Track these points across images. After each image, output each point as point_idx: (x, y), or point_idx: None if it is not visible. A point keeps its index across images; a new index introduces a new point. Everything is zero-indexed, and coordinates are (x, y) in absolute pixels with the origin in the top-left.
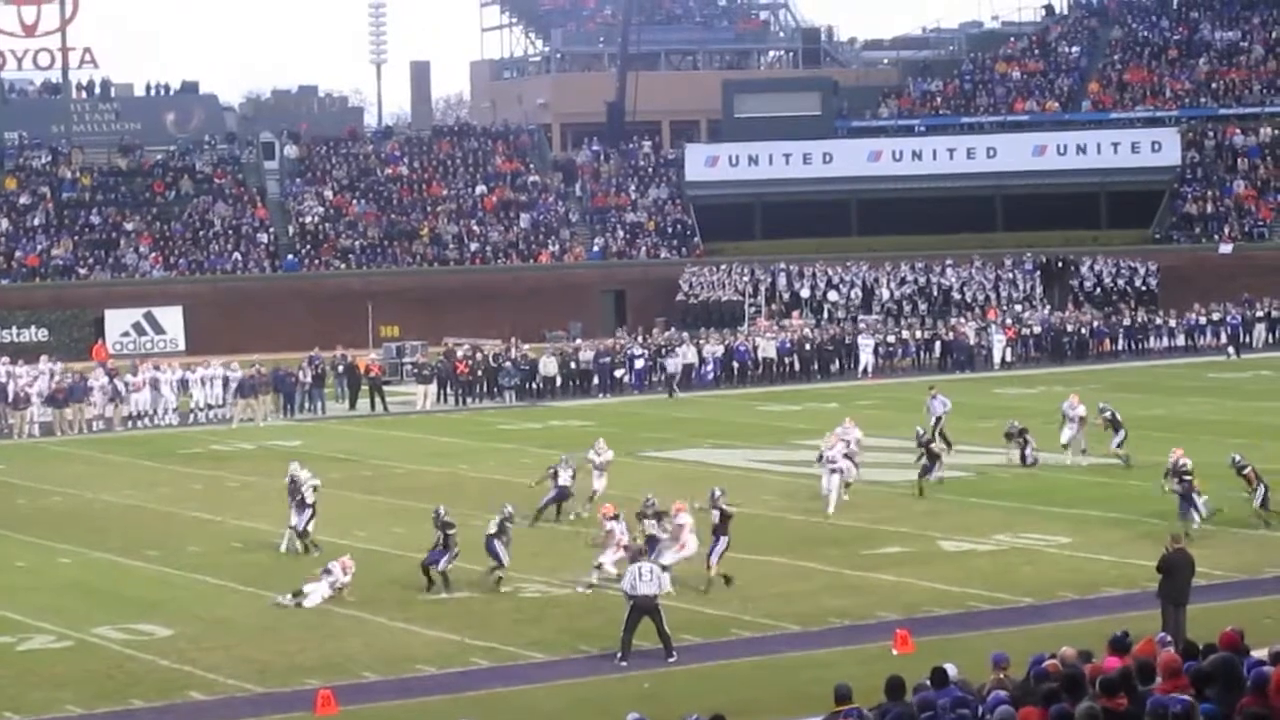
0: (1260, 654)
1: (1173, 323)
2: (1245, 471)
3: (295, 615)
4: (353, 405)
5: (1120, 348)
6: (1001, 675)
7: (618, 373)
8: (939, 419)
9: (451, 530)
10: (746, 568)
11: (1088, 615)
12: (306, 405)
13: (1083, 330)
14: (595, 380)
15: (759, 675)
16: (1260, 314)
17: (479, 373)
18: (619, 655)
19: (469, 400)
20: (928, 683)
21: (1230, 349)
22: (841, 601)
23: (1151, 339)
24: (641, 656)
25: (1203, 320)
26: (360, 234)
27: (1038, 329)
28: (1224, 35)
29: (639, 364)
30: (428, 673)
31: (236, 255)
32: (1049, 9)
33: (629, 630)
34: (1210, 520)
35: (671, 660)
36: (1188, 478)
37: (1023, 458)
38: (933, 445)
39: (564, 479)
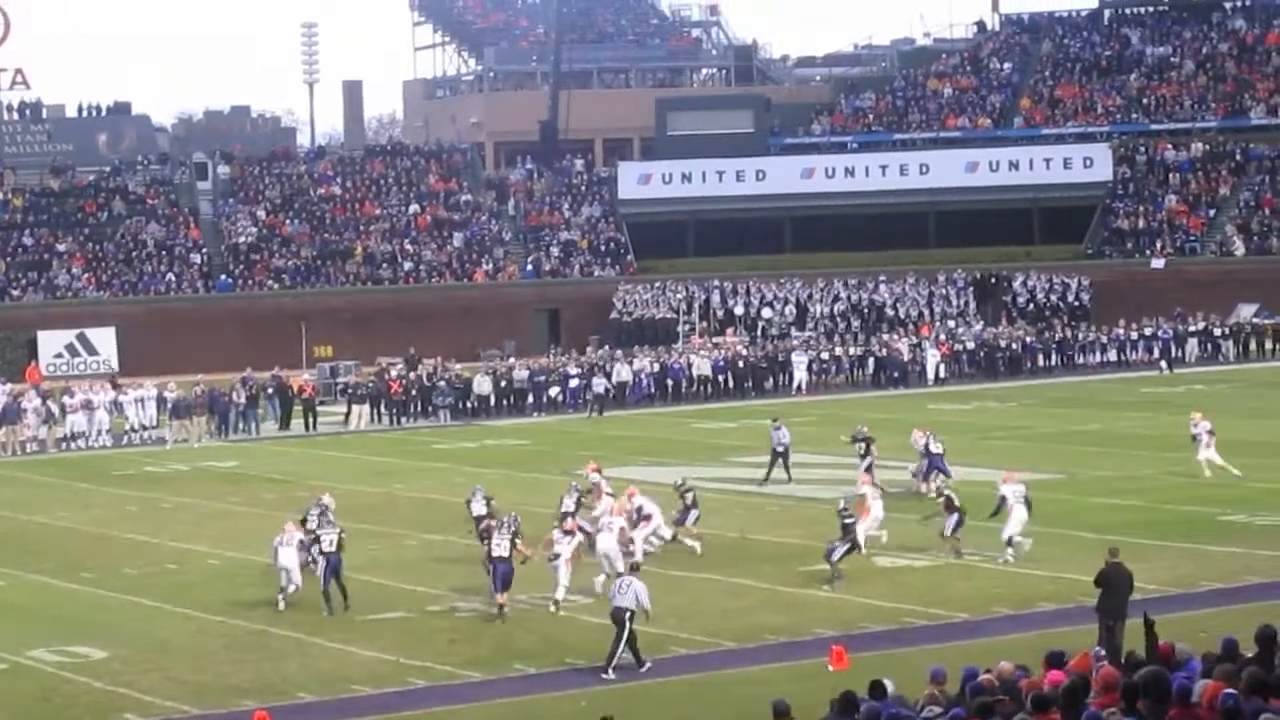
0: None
1: (1105, 338)
2: (942, 498)
3: (231, 636)
4: (285, 425)
5: (1053, 363)
6: (937, 690)
7: (552, 391)
8: (780, 452)
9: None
10: (683, 585)
11: (1023, 630)
12: (241, 426)
13: (1016, 346)
14: (530, 399)
15: (697, 693)
16: (1193, 329)
17: (413, 392)
18: (605, 668)
19: (403, 420)
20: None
21: (1162, 364)
22: (778, 618)
23: (1083, 354)
24: (579, 674)
25: (1134, 335)
26: (294, 254)
27: (971, 345)
28: (1155, 50)
29: (574, 382)
30: (364, 693)
31: (170, 276)
32: (980, 25)
33: (614, 642)
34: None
35: (643, 669)
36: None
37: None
38: (950, 495)
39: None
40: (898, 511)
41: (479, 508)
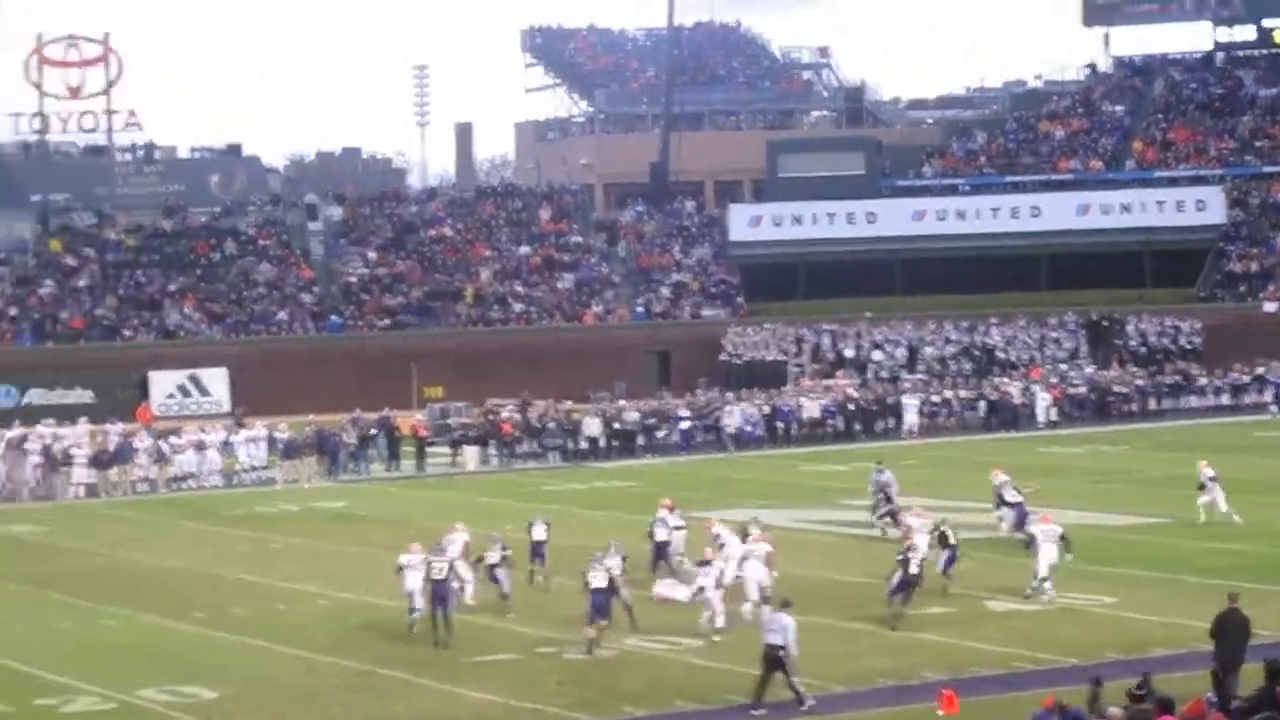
0: None
1: (1217, 381)
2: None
3: (340, 676)
4: (393, 466)
5: (1164, 407)
6: None
7: (659, 433)
8: (887, 495)
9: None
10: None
11: (1134, 675)
12: (350, 466)
13: (1127, 389)
14: (639, 440)
15: None
16: None
17: (523, 433)
18: (753, 705)
19: (513, 461)
20: None
21: (1273, 407)
22: (886, 661)
23: (1194, 398)
24: (687, 716)
25: (1247, 379)
26: (404, 293)
27: (1084, 388)
28: (1268, 92)
29: (684, 424)
30: None
31: (281, 315)
32: (1092, 68)
33: (761, 680)
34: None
35: (805, 708)
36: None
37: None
38: (945, 532)
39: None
40: (994, 552)
41: (540, 533)
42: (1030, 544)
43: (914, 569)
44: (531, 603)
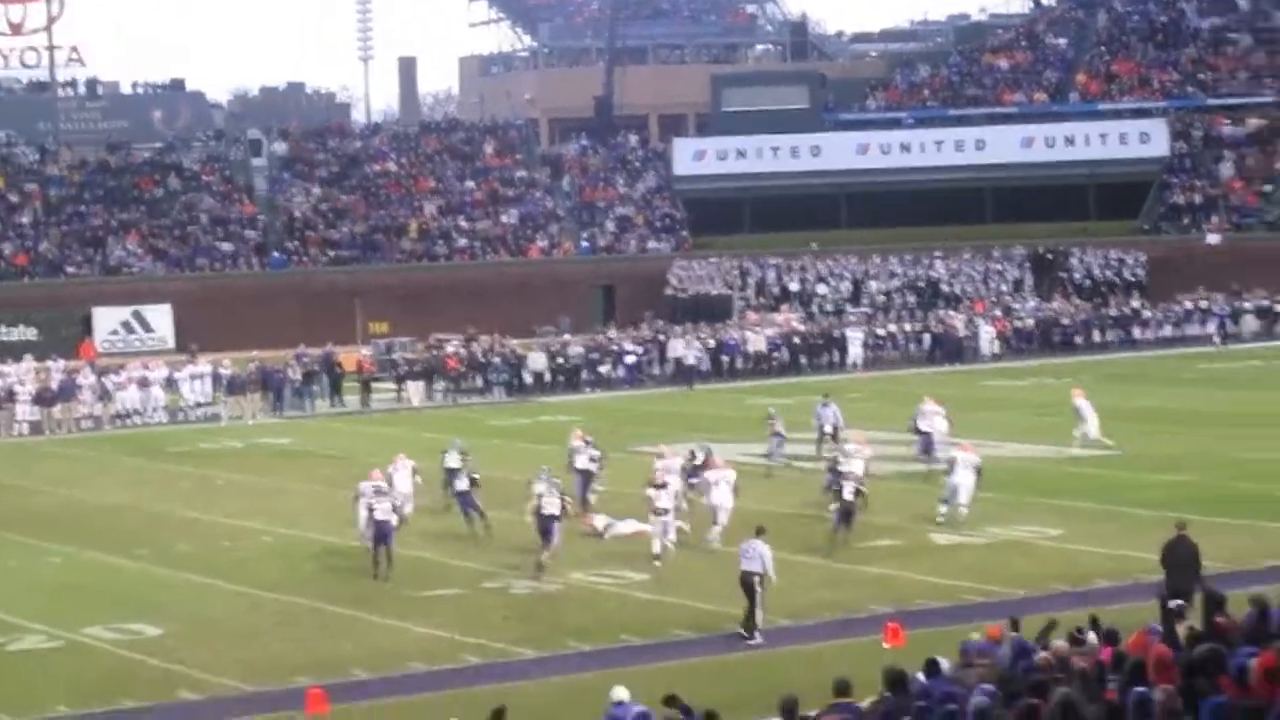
0: None
1: (1161, 314)
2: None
3: (285, 613)
4: (335, 402)
5: (1109, 339)
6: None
7: (601, 368)
8: (829, 432)
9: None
10: (736, 561)
11: (1081, 607)
12: (295, 402)
13: (1072, 322)
14: (585, 375)
15: (750, 670)
16: (1249, 304)
17: (468, 368)
18: (745, 636)
19: (458, 397)
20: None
21: (1215, 339)
22: (831, 595)
23: (1139, 330)
24: (633, 651)
25: (1190, 311)
26: (349, 228)
27: (1030, 321)
28: (1211, 23)
29: (630, 359)
30: (419, 670)
31: (225, 247)
32: (1036, 0)
33: (748, 608)
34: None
35: (752, 642)
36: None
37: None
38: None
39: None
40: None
41: (453, 460)
42: (950, 469)
43: (847, 495)
44: (483, 542)
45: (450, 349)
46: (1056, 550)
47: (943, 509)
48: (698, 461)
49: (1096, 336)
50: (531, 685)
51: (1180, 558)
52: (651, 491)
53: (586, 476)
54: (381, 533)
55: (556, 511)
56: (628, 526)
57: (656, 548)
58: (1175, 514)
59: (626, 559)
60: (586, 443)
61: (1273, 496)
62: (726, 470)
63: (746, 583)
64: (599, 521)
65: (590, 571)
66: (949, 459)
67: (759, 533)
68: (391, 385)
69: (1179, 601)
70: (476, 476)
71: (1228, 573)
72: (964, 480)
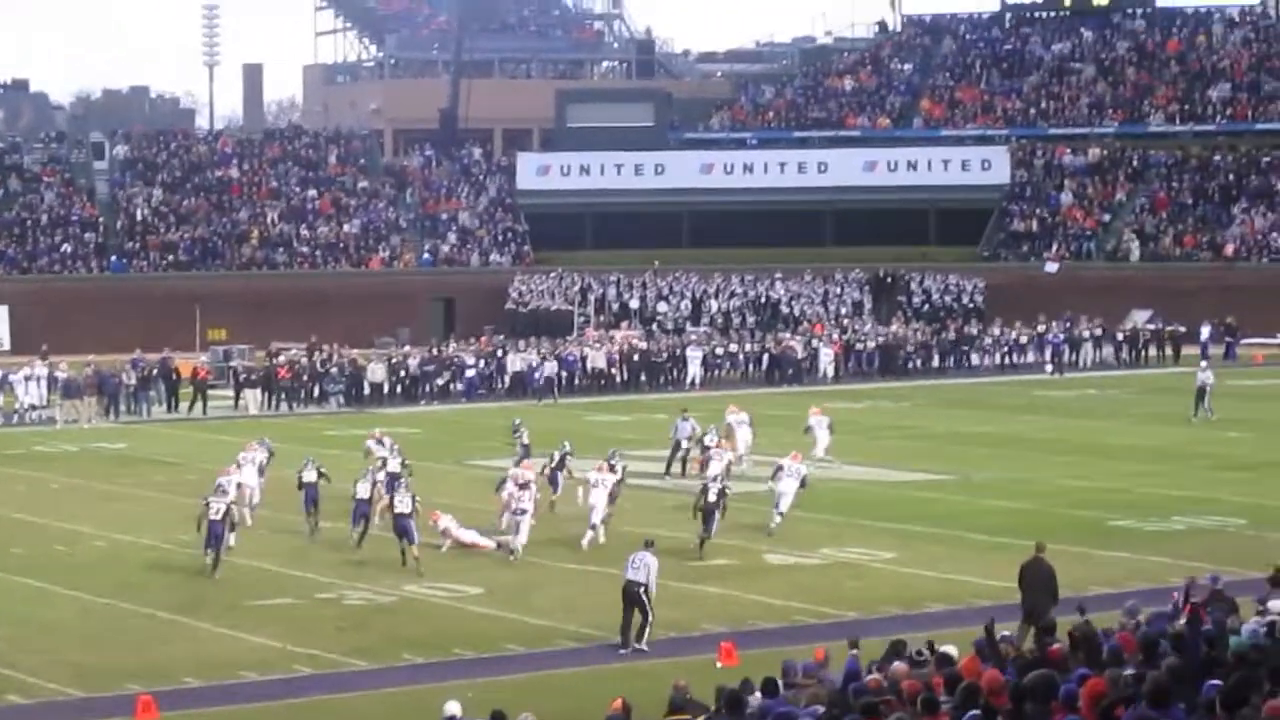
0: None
1: (999, 340)
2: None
3: (118, 618)
4: (172, 408)
5: (947, 364)
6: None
7: (439, 380)
8: (682, 445)
9: None
10: (573, 578)
11: (912, 630)
12: (131, 408)
13: (911, 346)
14: (423, 387)
15: (584, 685)
16: (1085, 333)
17: (303, 378)
18: (620, 645)
19: (294, 405)
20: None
21: (1049, 366)
22: (668, 613)
23: (976, 356)
24: (467, 664)
25: (1027, 338)
26: (190, 230)
27: (872, 344)
28: (1055, 50)
29: (470, 372)
30: (251, 679)
31: (65, 249)
32: (882, 25)
33: (624, 619)
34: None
35: (626, 651)
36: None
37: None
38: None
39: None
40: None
41: (310, 475)
42: (775, 476)
43: (711, 496)
44: (312, 548)
45: (282, 359)
46: (889, 573)
47: (776, 518)
48: (554, 463)
49: (934, 361)
50: (363, 697)
51: (1037, 579)
52: (514, 490)
53: (393, 478)
54: (213, 533)
55: (408, 510)
56: (469, 536)
57: (516, 544)
58: (1009, 539)
59: (460, 573)
60: (381, 443)
61: (1103, 525)
62: (608, 474)
63: (630, 593)
64: (445, 521)
65: (424, 584)
66: (775, 466)
67: (647, 545)
68: (229, 393)
69: (1006, 634)
70: (325, 471)
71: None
72: (787, 488)
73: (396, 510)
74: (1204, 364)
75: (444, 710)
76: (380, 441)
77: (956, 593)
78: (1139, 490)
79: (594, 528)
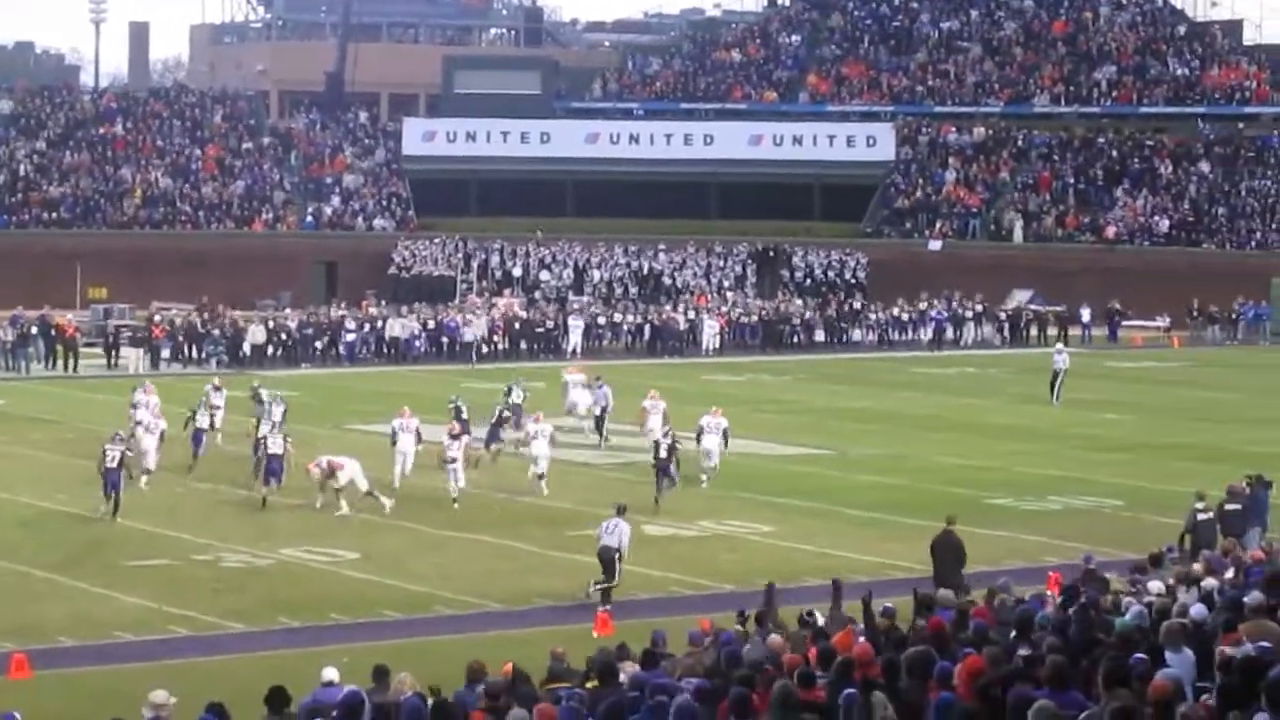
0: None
1: (880, 316)
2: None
3: None
4: (50, 365)
5: (828, 339)
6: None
7: (319, 344)
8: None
9: None
10: (450, 545)
11: (789, 604)
12: (10, 365)
13: (795, 320)
14: (302, 350)
15: (461, 652)
16: (966, 312)
17: (179, 338)
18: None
19: (173, 365)
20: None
21: (932, 344)
22: (545, 582)
23: (859, 332)
24: (344, 629)
25: (908, 315)
26: (72, 187)
27: (755, 317)
28: (943, 28)
29: (350, 336)
30: (126, 639)
31: None
32: None
33: (604, 579)
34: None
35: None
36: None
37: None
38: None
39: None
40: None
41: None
42: (699, 436)
43: (663, 453)
44: (190, 509)
45: (159, 318)
46: (766, 546)
47: (704, 474)
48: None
49: (817, 336)
50: (239, 660)
51: (948, 552)
52: (446, 440)
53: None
54: (110, 481)
55: (280, 450)
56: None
57: (453, 491)
58: (885, 515)
59: (338, 536)
60: (219, 390)
61: (979, 503)
62: (545, 424)
63: (605, 558)
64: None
65: (302, 548)
66: (697, 426)
67: (620, 511)
68: (98, 351)
69: (889, 606)
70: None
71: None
72: (712, 444)
73: (271, 450)
74: (1059, 347)
75: (322, 675)
76: (219, 389)
77: (833, 566)
78: (1016, 469)
79: (541, 476)
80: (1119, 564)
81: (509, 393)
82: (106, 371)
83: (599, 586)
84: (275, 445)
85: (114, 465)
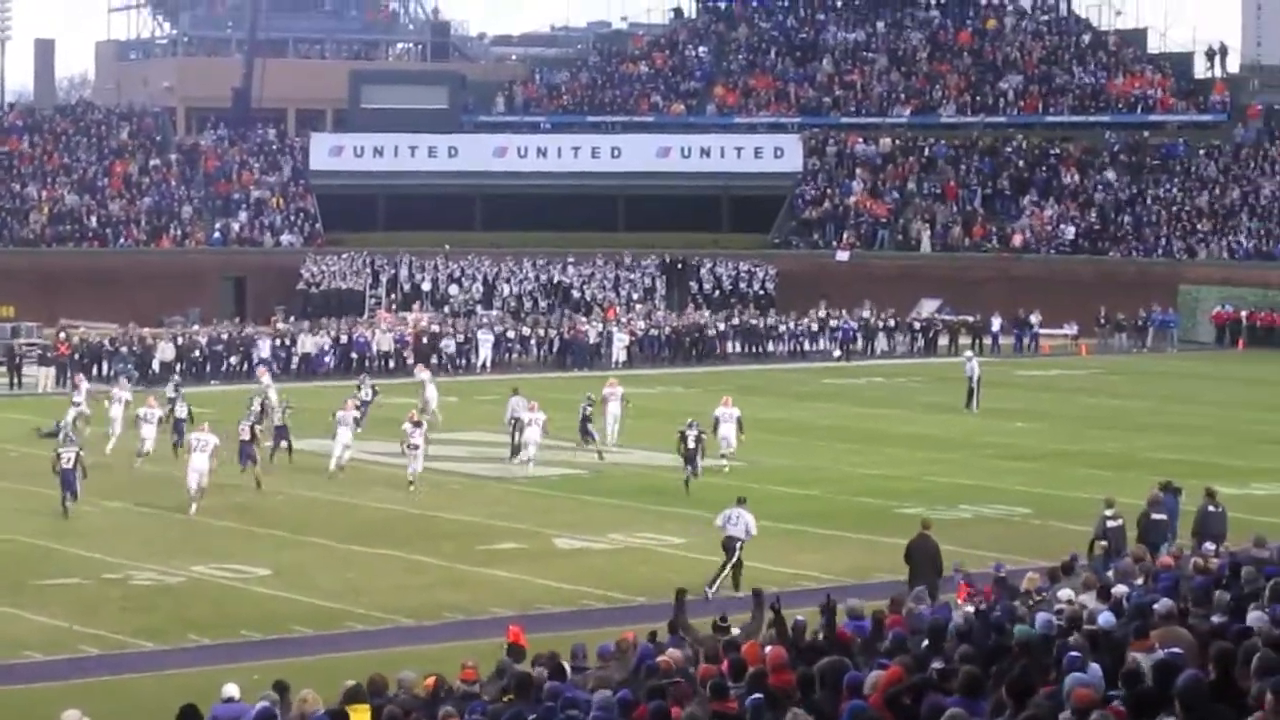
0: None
1: (789, 327)
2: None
3: None
4: None
5: (739, 350)
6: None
7: (232, 359)
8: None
9: None
10: (359, 560)
11: (702, 615)
12: None
13: (707, 332)
14: (210, 367)
15: (372, 668)
16: (875, 322)
17: (81, 356)
18: (709, 585)
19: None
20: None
21: (836, 353)
22: (455, 596)
23: (769, 342)
24: (253, 646)
25: (817, 326)
26: None
27: (668, 330)
28: (849, 38)
29: (264, 352)
30: (35, 659)
31: None
32: (677, 11)
33: (721, 565)
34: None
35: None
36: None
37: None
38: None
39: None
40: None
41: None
42: (716, 425)
43: (691, 443)
44: (98, 528)
45: (63, 336)
46: (679, 558)
47: (724, 458)
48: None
49: (728, 348)
50: (149, 678)
51: (924, 556)
52: (408, 427)
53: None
54: (65, 481)
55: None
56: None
57: (410, 474)
58: (797, 526)
59: (248, 553)
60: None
61: (890, 513)
62: (538, 412)
63: (729, 548)
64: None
65: (212, 564)
66: (713, 418)
67: (740, 501)
68: (25, 369)
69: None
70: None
71: (845, 585)
72: (729, 432)
73: (65, 466)
74: (969, 354)
75: (222, 692)
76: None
77: (745, 577)
78: (926, 478)
79: (530, 461)
80: (1029, 572)
81: (359, 388)
82: (9, 391)
83: (724, 572)
84: (68, 460)
85: (70, 466)
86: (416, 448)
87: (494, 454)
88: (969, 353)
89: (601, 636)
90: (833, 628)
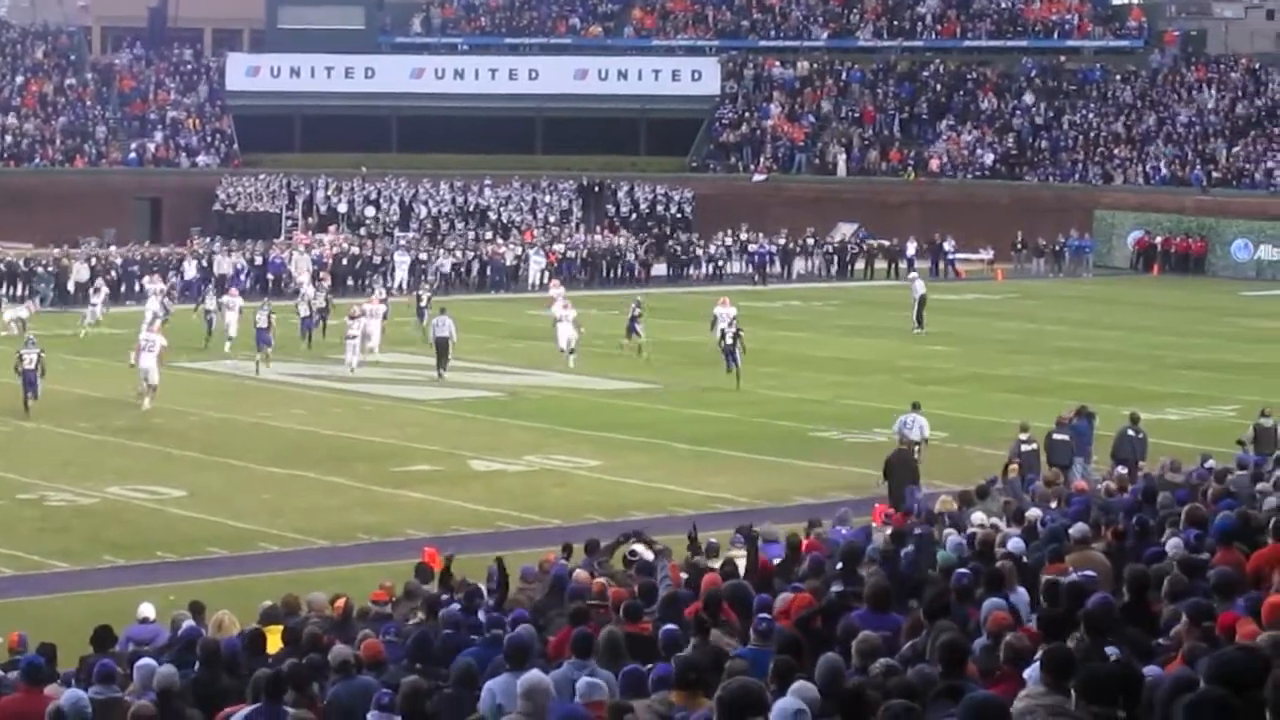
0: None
1: (707, 250)
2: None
3: None
4: None
5: (655, 274)
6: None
7: (147, 280)
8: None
9: None
10: (275, 481)
11: (611, 533)
12: None
13: (626, 255)
14: (126, 288)
15: (286, 589)
16: (791, 245)
17: (10, 276)
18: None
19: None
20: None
21: (756, 277)
22: (371, 518)
23: (687, 266)
24: (170, 567)
25: (734, 248)
26: None
27: (580, 252)
28: None
29: (191, 272)
30: None
31: None
32: None
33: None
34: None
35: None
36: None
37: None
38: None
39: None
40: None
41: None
42: (713, 323)
43: (728, 341)
44: (14, 448)
45: None
46: (593, 480)
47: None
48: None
49: (645, 270)
50: (64, 599)
51: (904, 469)
52: (348, 320)
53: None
54: (27, 381)
55: (33, 366)
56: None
57: (352, 361)
58: (711, 449)
59: (164, 475)
60: None
61: (804, 435)
62: (571, 310)
63: (905, 453)
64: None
65: (127, 485)
66: (711, 315)
67: (915, 407)
68: None
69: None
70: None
71: (760, 508)
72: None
73: (26, 368)
74: (914, 275)
75: (137, 612)
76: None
77: (659, 500)
78: (841, 402)
79: (571, 351)
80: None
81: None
82: None
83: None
84: (29, 362)
85: (31, 368)
86: (354, 338)
87: (412, 376)
88: (914, 274)
89: (520, 559)
90: (754, 557)
